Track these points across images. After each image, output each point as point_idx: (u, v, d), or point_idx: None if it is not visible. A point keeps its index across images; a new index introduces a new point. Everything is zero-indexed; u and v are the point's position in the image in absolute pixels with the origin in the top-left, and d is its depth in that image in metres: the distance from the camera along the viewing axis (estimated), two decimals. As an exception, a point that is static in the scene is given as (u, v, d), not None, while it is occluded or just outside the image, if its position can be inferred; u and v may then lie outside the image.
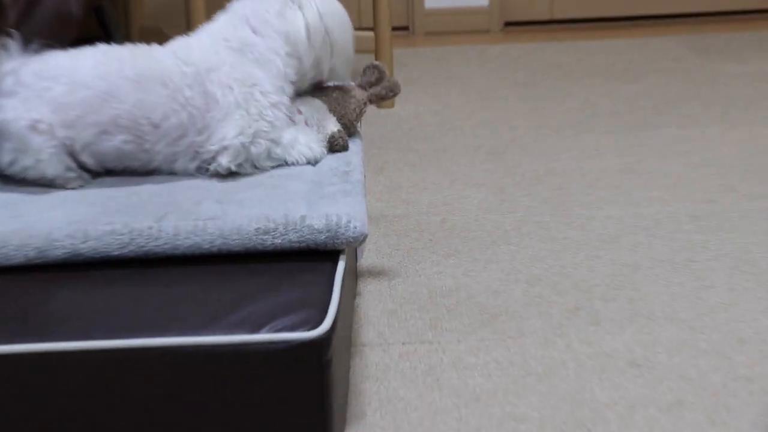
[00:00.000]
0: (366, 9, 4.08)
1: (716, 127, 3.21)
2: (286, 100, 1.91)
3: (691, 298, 2.15)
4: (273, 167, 1.88)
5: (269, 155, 1.88)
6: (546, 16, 4.69)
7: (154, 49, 1.91)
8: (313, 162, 1.91)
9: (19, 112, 1.79)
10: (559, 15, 4.69)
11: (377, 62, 2.13)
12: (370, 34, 3.60)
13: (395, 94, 2.12)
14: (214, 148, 1.85)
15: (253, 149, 1.85)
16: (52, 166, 1.81)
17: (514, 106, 3.51)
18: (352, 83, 2.09)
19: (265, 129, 1.86)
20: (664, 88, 3.65)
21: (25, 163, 1.81)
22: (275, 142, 1.88)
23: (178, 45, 1.92)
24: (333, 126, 1.97)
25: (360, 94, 2.06)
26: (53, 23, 2.55)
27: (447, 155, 3.04)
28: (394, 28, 3.97)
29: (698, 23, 4.66)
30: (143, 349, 1.42)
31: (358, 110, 2.04)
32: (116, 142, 1.83)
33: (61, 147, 1.81)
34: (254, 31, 1.91)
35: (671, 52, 4.16)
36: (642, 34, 4.51)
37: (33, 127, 1.79)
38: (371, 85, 2.10)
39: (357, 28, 4.18)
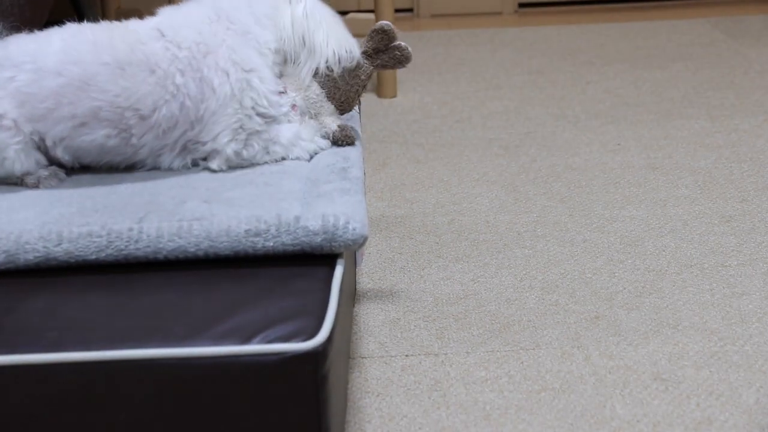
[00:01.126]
0: (366, -11, 4.11)
1: (751, 119, 3.22)
2: (283, 88, 1.91)
3: (721, 306, 2.16)
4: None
5: (267, 152, 1.89)
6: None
7: (134, 27, 1.88)
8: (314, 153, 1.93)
9: None
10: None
11: (385, 23, 2.00)
12: (371, 16, 3.61)
13: (404, 64, 2.02)
14: (205, 149, 1.86)
15: (246, 153, 1.87)
16: (20, 162, 1.81)
17: (529, 95, 3.52)
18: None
19: (259, 128, 1.86)
20: (693, 76, 3.66)
21: None
22: (272, 141, 1.89)
23: (163, 22, 1.89)
24: (332, 121, 1.94)
25: (365, 65, 1.98)
26: (24, 5, 2.57)
27: (455, 150, 3.05)
28: (397, 10, 3.98)
29: (731, 4, 4.66)
30: (122, 361, 1.43)
31: (362, 85, 1.98)
32: (97, 137, 1.82)
33: (29, 142, 1.81)
34: (256, 21, 1.90)
35: (701, 36, 4.17)
36: (669, 15, 4.52)
37: None
38: (377, 51, 1.99)
39: (356, 10, 4.19)
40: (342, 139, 1.93)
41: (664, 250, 2.40)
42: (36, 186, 1.83)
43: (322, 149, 1.93)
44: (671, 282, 2.25)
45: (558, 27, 4.38)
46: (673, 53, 3.94)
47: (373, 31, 1.99)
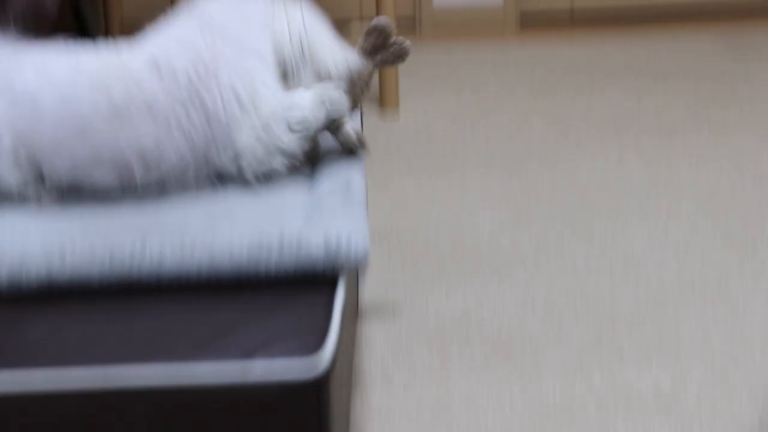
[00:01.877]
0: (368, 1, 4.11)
1: (754, 135, 3.22)
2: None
3: (724, 325, 2.16)
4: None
5: (290, 129, 1.86)
6: (566, 5, 4.70)
7: (129, 62, 1.83)
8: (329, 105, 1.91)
9: None
10: (580, 4, 4.70)
11: (382, 19, 1.96)
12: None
13: (404, 58, 1.97)
14: (227, 169, 1.85)
15: (274, 163, 1.86)
16: (12, 175, 1.81)
17: (532, 112, 3.53)
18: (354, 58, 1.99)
19: (278, 141, 1.85)
20: (696, 91, 3.66)
21: None
22: (292, 122, 1.85)
23: (156, 50, 1.85)
24: (350, 128, 1.93)
25: (366, 64, 1.94)
26: (27, 18, 2.57)
27: (457, 168, 3.05)
28: (399, 17, 3.98)
29: (734, 18, 4.67)
30: (122, 380, 1.43)
31: (364, 83, 1.95)
32: (97, 178, 1.81)
33: (24, 164, 1.81)
34: (251, 29, 1.88)
35: (704, 51, 4.18)
36: (671, 31, 4.53)
37: None
38: (376, 49, 1.94)
39: (358, 18, 4.18)
40: (359, 146, 1.93)
41: (666, 268, 2.39)
42: (37, 203, 1.83)
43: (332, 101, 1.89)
44: (673, 300, 2.25)
45: (560, 43, 4.38)
46: (676, 69, 3.94)
47: (369, 29, 1.96)
